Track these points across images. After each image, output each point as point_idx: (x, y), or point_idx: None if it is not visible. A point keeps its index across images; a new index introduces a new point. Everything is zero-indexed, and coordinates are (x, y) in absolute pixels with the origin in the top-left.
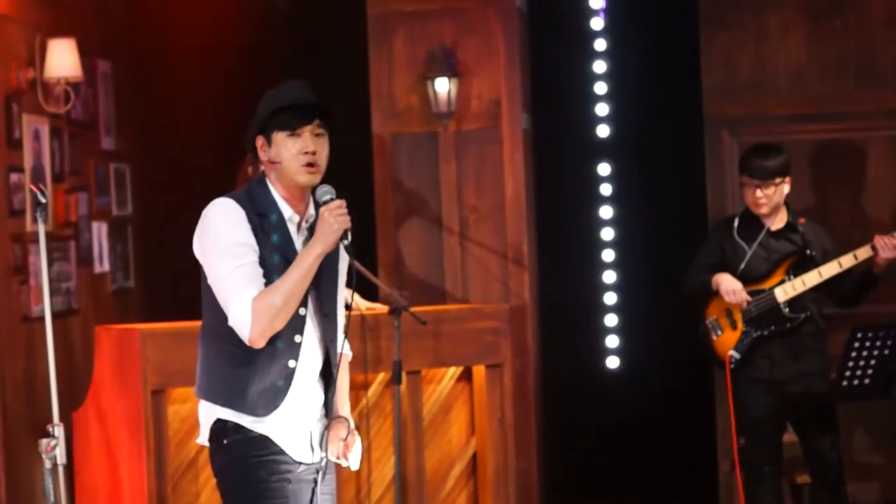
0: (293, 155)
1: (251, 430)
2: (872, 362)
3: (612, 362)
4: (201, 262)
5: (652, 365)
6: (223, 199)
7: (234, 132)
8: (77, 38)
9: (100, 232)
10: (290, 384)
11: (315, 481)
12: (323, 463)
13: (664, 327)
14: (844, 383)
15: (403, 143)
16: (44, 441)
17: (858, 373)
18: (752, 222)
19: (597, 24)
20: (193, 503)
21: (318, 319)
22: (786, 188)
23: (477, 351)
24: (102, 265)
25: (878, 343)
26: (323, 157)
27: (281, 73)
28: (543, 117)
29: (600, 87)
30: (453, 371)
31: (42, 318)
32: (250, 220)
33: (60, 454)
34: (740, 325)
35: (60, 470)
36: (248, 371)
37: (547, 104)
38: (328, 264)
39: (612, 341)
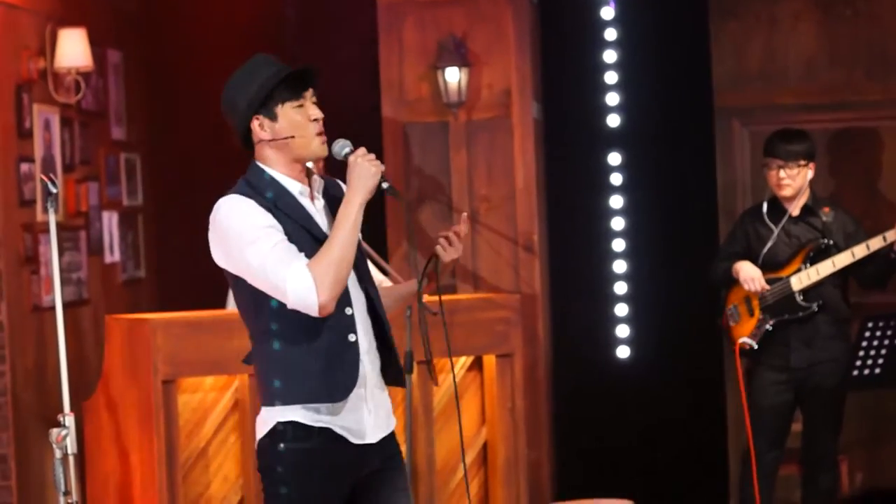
0: (303, 124)
1: (311, 428)
2: (883, 352)
3: (623, 352)
4: (232, 267)
5: (662, 354)
6: (226, 198)
7: None
8: (87, 28)
9: (110, 222)
10: (357, 358)
11: (388, 478)
12: (392, 449)
13: (675, 317)
14: (855, 373)
15: (414, 133)
16: (54, 431)
17: (869, 362)
18: (778, 208)
19: (607, 13)
20: (204, 493)
21: (359, 286)
22: (809, 173)
23: (488, 340)
24: (113, 255)
25: (889, 332)
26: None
27: (292, 62)
28: (554, 107)
29: (611, 77)
30: (464, 361)
31: (53, 308)
32: (261, 205)
33: (71, 444)
34: (757, 312)
35: (71, 459)
36: (314, 359)
37: (557, 93)
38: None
39: (623, 331)
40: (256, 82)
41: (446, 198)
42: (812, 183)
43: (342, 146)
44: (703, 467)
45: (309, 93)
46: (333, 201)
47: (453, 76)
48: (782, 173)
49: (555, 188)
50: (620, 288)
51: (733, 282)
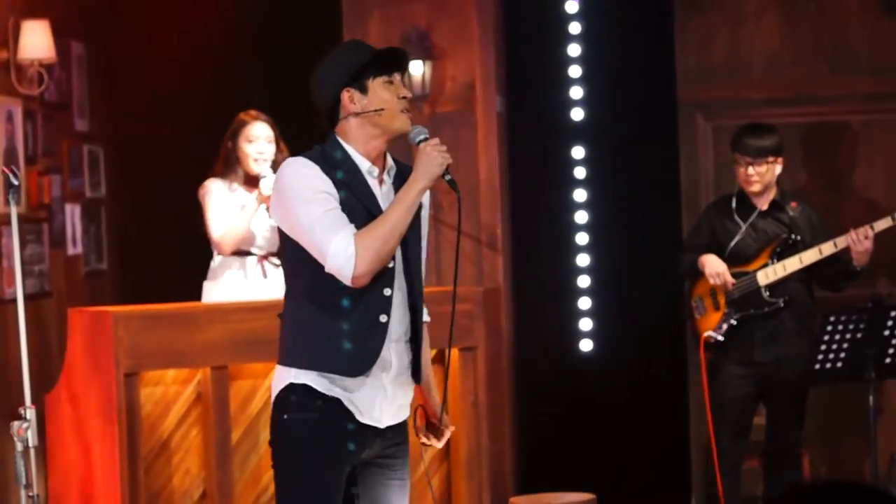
0: (392, 100)
1: (321, 395)
2: (845, 346)
3: (586, 345)
4: (284, 224)
5: (625, 348)
6: (294, 158)
7: (207, 114)
8: (51, 20)
9: (73, 214)
10: (383, 338)
11: (388, 466)
12: (399, 438)
13: (638, 310)
14: (817, 367)
15: None
16: (15, 423)
17: (831, 356)
18: (745, 203)
19: (571, 7)
20: (166, 486)
21: (404, 273)
22: (778, 168)
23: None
24: (76, 247)
25: (850, 327)
26: None
27: (256, 56)
28: (518, 100)
29: (575, 71)
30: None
31: (14, 301)
32: (327, 174)
33: (32, 436)
34: (722, 306)
35: (32, 452)
36: (340, 329)
37: (521, 87)
38: (414, 218)
39: (586, 324)
40: (353, 56)
41: None
42: (778, 178)
43: (418, 132)
44: (666, 461)
45: (399, 74)
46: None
47: (417, 69)
48: (750, 169)
49: (518, 182)
50: (584, 281)
51: (699, 274)
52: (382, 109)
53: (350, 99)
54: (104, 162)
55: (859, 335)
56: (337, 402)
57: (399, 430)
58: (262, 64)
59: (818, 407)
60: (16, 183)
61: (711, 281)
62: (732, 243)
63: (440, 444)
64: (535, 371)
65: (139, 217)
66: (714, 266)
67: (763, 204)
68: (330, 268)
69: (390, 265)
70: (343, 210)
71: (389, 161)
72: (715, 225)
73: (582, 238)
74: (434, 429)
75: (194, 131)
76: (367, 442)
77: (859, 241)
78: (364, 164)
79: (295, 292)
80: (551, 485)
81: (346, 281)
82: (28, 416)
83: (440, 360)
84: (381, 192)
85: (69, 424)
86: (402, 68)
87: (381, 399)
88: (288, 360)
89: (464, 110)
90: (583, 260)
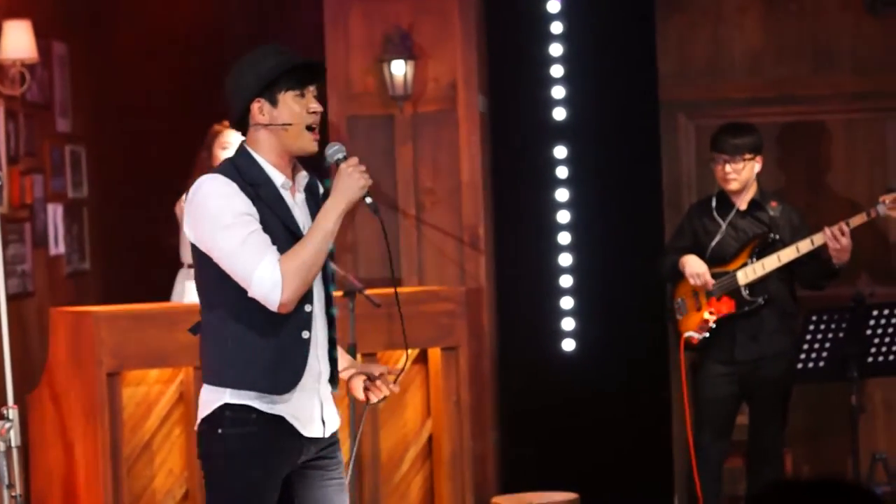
0: (301, 114)
1: (262, 413)
2: (827, 345)
3: (568, 345)
4: (202, 245)
5: (608, 348)
6: (210, 176)
7: (189, 115)
8: (33, 20)
9: (55, 214)
10: (307, 356)
11: (323, 467)
12: (332, 440)
13: (620, 310)
14: (800, 366)
15: (359, 126)
16: None
17: (813, 356)
18: (725, 202)
19: (553, 6)
20: (148, 486)
21: (321, 285)
22: (756, 166)
23: (433, 334)
24: (58, 247)
25: (833, 326)
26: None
27: (239, 56)
28: (500, 100)
29: (556, 70)
30: (409, 353)
31: None
32: (244, 191)
33: (15, 436)
34: (704, 306)
35: (15, 452)
36: (264, 348)
37: (503, 87)
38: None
39: (568, 324)
40: (265, 66)
41: (391, 191)
42: (759, 177)
43: (336, 151)
44: (648, 460)
45: (312, 87)
46: (312, 198)
47: (399, 69)
48: (728, 167)
49: (500, 181)
50: (566, 281)
51: (680, 275)
52: (290, 125)
53: (260, 110)
54: (86, 162)
55: (841, 334)
56: (278, 419)
57: (334, 435)
58: None
59: (801, 406)
60: None
61: (692, 281)
62: (713, 243)
63: (388, 390)
64: (518, 371)
65: (121, 217)
66: (694, 267)
67: (742, 203)
68: (255, 294)
69: None
70: (263, 225)
71: (302, 173)
72: (696, 226)
73: (564, 238)
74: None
75: (176, 131)
76: (304, 451)
77: (835, 237)
78: (278, 178)
79: (216, 310)
80: (534, 484)
81: (273, 307)
82: (10, 416)
83: (422, 359)
84: (296, 203)
85: (52, 424)
86: (317, 81)
87: (318, 407)
88: (220, 381)
89: (446, 110)
90: (565, 259)
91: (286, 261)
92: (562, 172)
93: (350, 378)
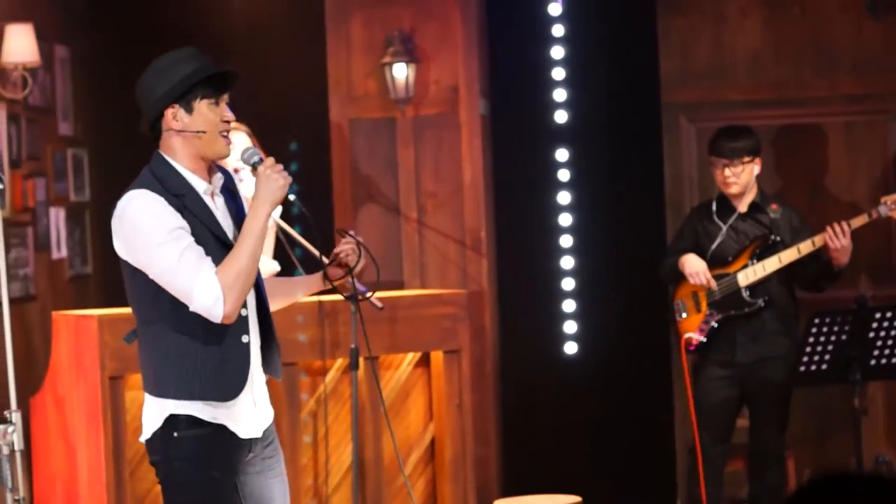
0: (215, 123)
1: (206, 422)
2: (830, 348)
3: (570, 348)
4: (135, 262)
5: (610, 350)
6: (136, 192)
7: None
8: (35, 24)
9: (57, 218)
10: (248, 359)
11: (265, 464)
12: (269, 436)
13: (622, 313)
14: (802, 368)
15: (361, 129)
16: (0, 427)
17: (816, 358)
18: (726, 205)
19: (555, 9)
20: (151, 489)
21: (253, 287)
22: (756, 169)
23: (435, 337)
24: (60, 251)
25: (835, 329)
26: None
27: (238, 59)
28: (501, 103)
29: (558, 73)
30: (411, 357)
31: None
32: (171, 204)
33: (17, 440)
34: (704, 307)
35: (18, 456)
36: (206, 358)
37: (505, 90)
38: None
39: (570, 327)
40: (181, 73)
41: (393, 194)
42: (759, 179)
43: (251, 154)
44: (650, 463)
45: (226, 95)
46: (232, 198)
47: (401, 72)
48: (727, 171)
49: (502, 184)
50: (568, 284)
51: (681, 277)
52: (203, 132)
53: (174, 116)
54: (88, 165)
55: (844, 337)
56: (221, 427)
57: (269, 429)
58: (245, 67)
59: (803, 409)
60: (0, 187)
61: (691, 280)
62: (714, 245)
63: (354, 267)
64: (520, 374)
65: None
66: (693, 265)
67: (743, 206)
68: (197, 309)
69: None
70: (192, 234)
71: (218, 174)
72: (697, 229)
73: (566, 240)
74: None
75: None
76: (247, 452)
77: (836, 238)
78: (200, 185)
79: (154, 324)
80: (536, 487)
81: (217, 320)
82: (13, 420)
83: (425, 363)
84: (218, 208)
85: (54, 428)
86: (230, 90)
87: (253, 409)
88: (164, 392)
89: (447, 113)
90: (567, 262)
91: (223, 273)
92: (563, 175)
93: (322, 273)
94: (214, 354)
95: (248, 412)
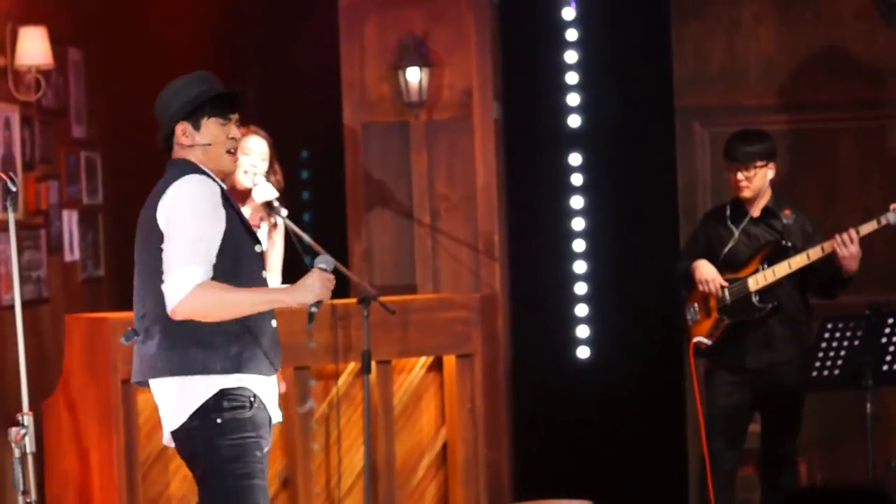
0: (223, 140)
1: (255, 397)
2: (843, 353)
3: (583, 352)
4: (164, 226)
5: (622, 355)
6: (200, 178)
7: None
8: (48, 26)
9: (70, 220)
10: (279, 341)
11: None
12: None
13: (635, 317)
14: (814, 374)
15: (375, 133)
16: (13, 430)
17: (828, 364)
18: (739, 209)
19: (568, 13)
20: (163, 492)
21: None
22: (770, 173)
23: (447, 341)
24: (73, 254)
25: (848, 334)
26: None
27: (253, 64)
28: (515, 107)
29: (571, 77)
30: (424, 361)
31: (12, 307)
32: (222, 195)
33: (30, 443)
34: (714, 312)
35: (30, 459)
36: (262, 335)
37: (518, 94)
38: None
39: (583, 331)
40: (193, 92)
41: (406, 198)
42: (773, 185)
43: (323, 260)
44: (662, 467)
45: (235, 116)
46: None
47: (414, 76)
48: (740, 175)
49: (515, 188)
50: (580, 288)
51: (693, 282)
52: (209, 145)
53: (183, 132)
54: (101, 168)
55: (857, 342)
56: (263, 404)
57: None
58: (259, 70)
59: (815, 414)
60: (13, 189)
61: (701, 287)
62: (726, 249)
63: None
64: (532, 378)
65: (136, 224)
66: (704, 272)
67: (756, 210)
68: (164, 284)
69: (265, 275)
70: (230, 227)
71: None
72: (710, 233)
73: (579, 245)
74: None
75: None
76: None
77: (844, 244)
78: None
79: None
80: (548, 492)
81: (166, 307)
82: (26, 423)
83: (437, 367)
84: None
85: (67, 431)
86: (239, 111)
87: (276, 397)
88: (208, 368)
89: (461, 117)
90: (580, 267)
91: (212, 287)
92: (576, 179)
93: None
94: (267, 332)
95: (275, 398)
